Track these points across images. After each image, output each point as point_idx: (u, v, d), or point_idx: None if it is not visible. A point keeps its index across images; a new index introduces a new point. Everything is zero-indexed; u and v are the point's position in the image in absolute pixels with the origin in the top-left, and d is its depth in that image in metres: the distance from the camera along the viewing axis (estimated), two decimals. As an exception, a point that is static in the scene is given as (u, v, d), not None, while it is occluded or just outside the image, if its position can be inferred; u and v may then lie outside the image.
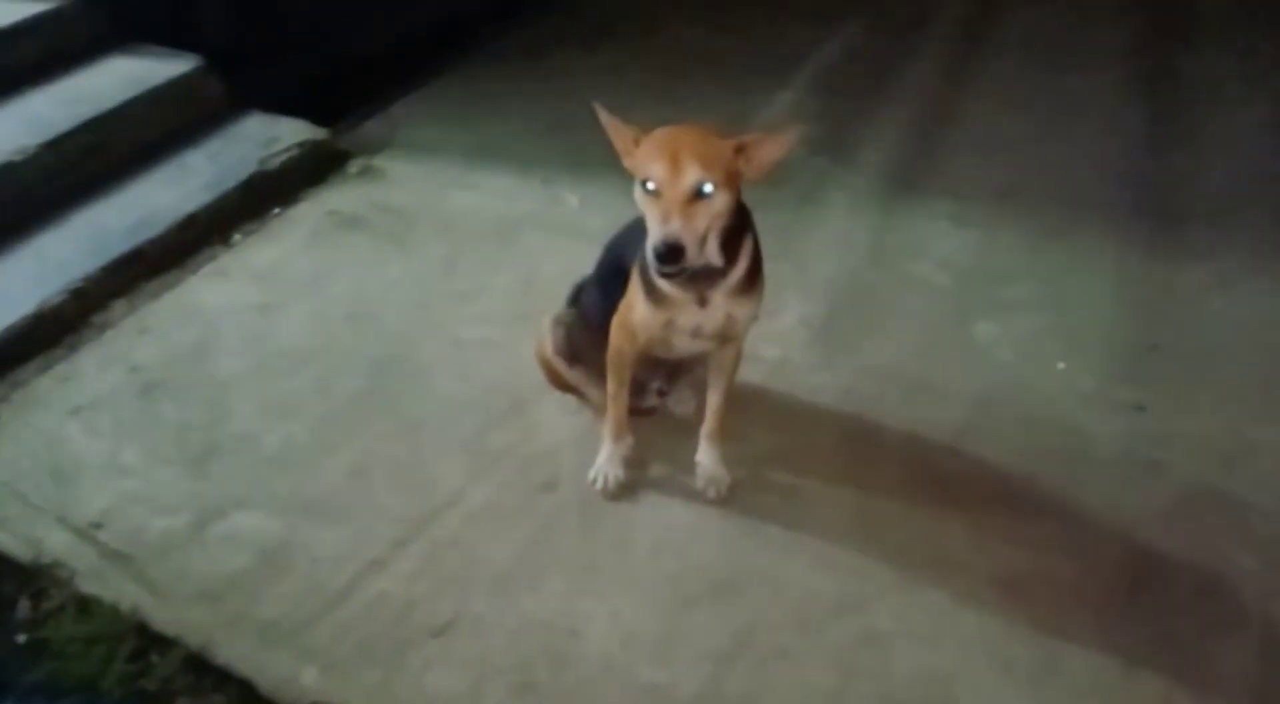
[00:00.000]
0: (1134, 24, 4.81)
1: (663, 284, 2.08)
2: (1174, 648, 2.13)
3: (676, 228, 1.85)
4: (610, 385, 2.38)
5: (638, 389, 2.53)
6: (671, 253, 1.84)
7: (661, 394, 2.62)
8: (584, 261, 2.52)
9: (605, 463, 2.46)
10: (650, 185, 1.89)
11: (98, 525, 2.40)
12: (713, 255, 2.02)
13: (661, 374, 2.58)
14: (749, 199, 2.12)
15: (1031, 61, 4.49)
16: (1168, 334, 2.97)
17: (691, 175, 1.86)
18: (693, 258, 1.89)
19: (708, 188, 1.88)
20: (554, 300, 2.68)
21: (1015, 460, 2.57)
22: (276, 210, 3.52)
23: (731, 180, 1.93)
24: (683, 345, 2.24)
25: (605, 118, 2.02)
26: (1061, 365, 2.86)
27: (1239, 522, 2.39)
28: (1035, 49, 4.60)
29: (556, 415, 2.67)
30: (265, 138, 3.75)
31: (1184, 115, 4.09)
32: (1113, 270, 3.25)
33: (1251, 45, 4.56)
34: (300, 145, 3.73)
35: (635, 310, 2.19)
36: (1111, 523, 2.40)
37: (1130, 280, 3.20)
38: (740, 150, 1.93)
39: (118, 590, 2.24)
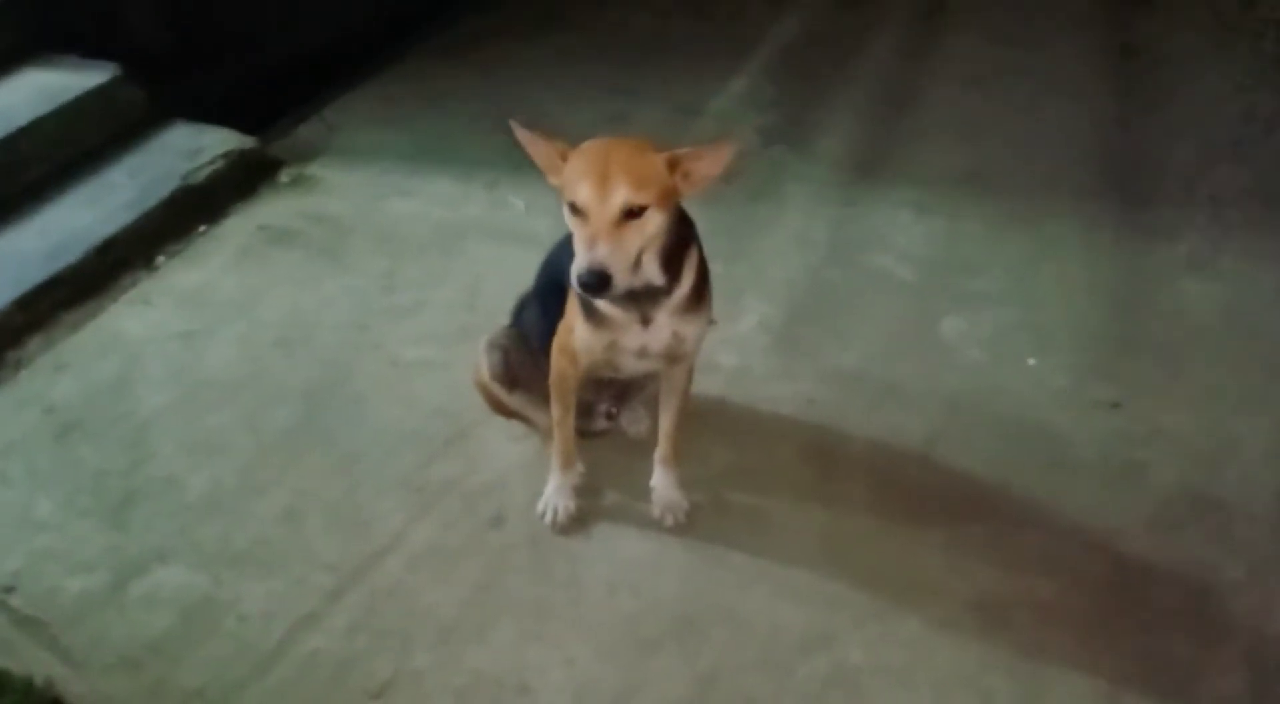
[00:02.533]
0: (1097, -5, 4.67)
1: (601, 305, 1.93)
2: (1161, 668, 2.02)
3: (602, 254, 1.70)
4: (555, 412, 2.23)
5: (585, 411, 2.38)
6: (597, 281, 1.70)
7: (611, 416, 2.47)
8: (532, 270, 2.34)
9: (554, 494, 2.30)
10: (577, 206, 1.73)
11: (9, 589, 2.22)
12: (652, 275, 1.87)
13: (610, 395, 2.43)
14: (696, 200, 1.96)
15: (992, 38, 4.35)
16: (1141, 323, 2.86)
17: (620, 196, 1.71)
18: (621, 284, 1.74)
19: (638, 208, 1.72)
20: (500, 314, 2.53)
21: (989, 469, 2.44)
22: (203, 228, 3.32)
23: (666, 198, 1.77)
24: (629, 366, 2.10)
25: (524, 136, 1.84)
26: (1032, 361, 2.73)
27: (1224, 526, 2.28)
28: (995, 25, 4.45)
29: (502, 442, 2.51)
30: (190, 149, 3.54)
31: (1149, 88, 3.96)
32: (1081, 256, 3.12)
33: (1215, 13, 4.43)
34: (227, 156, 3.52)
35: (575, 332, 2.04)
36: (1092, 534, 2.28)
37: (1100, 265, 3.08)
38: (675, 165, 1.77)
39: (30, 662, 2.08)
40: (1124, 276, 3.04)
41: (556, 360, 2.13)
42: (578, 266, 1.70)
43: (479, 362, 2.36)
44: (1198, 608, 2.12)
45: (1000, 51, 4.24)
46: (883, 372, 2.71)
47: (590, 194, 1.71)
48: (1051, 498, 2.36)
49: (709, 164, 1.78)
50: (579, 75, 4.15)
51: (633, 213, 1.72)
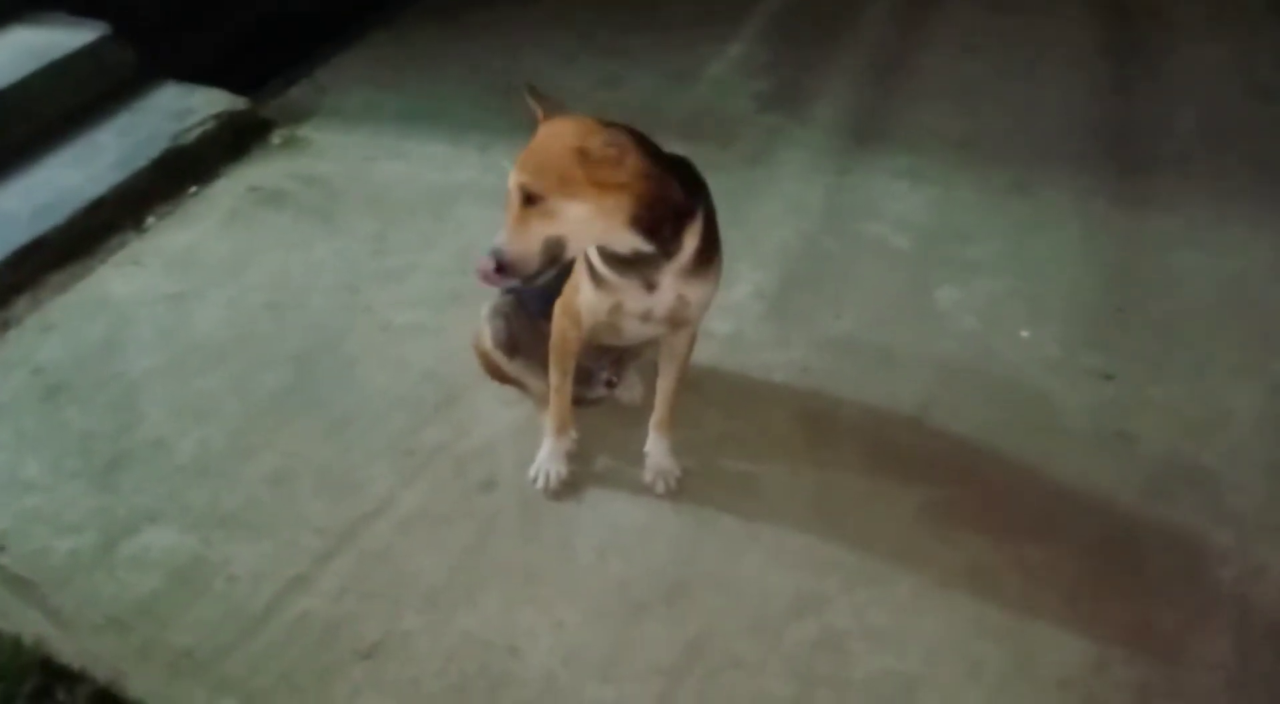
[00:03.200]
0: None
1: (603, 271, 1.92)
2: (1149, 637, 2.02)
3: (499, 240, 1.72)
4: (553, 376, 2.21)
5: (584, 377, 2.36)
6: (494, 268, 1.71)
7: (611, 384, 2.45)
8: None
9: (546, 459, 2.29)
10: None
11: (-1, 548, 2.21)
12: (636, 243, 1.82)
13: (609, 361, 2.41)
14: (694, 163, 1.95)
15: (987, 3, 4.30)
16: (1134, 293, 2.84)
17: (514, 179, 1.71)
18: (525, 270, 1.73)
19: (538, 198, 1.70)
20: (491, 279, 2.51)
21: (981, 436, 2.44)
22: (193, 189, 3.28)
23: (569, 188, 1.69)
24: (633, 331, 2.07)
25: (532, 103, 1.84)
26: (1025, 333, 2.72)
27: (1214, 496, 2.27)
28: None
29: (493, 407, 2.50)
30: (179, 110, 3.50)
31: (1146, 55, 3.93)
32: (1076, 225, 3.10)
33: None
34: (218, 117, 3.48)
35: (580, 293, 2.02)
36: (1083, 501, 2.28)
37: (1095, 235, 3.06)
38: (583, 156, 1.69)
39: (19, 621, 2.06)
40: (1119, 246, 3.03)
41: (559, 322, 2.12)
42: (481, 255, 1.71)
43: (480, 329, 2.35)
44: (1187, 575, 2.13)
45: (997, 18, 4.19)
46: (876, 339, 2.70)
47: (511, 176, 1.72)
48: (1043, 465, 2.36)
49: (609, 172, 1.72)
50: (573, 38, 4.10)
51: (531, 199, 1.70)
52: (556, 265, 1.80)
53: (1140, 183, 3.26)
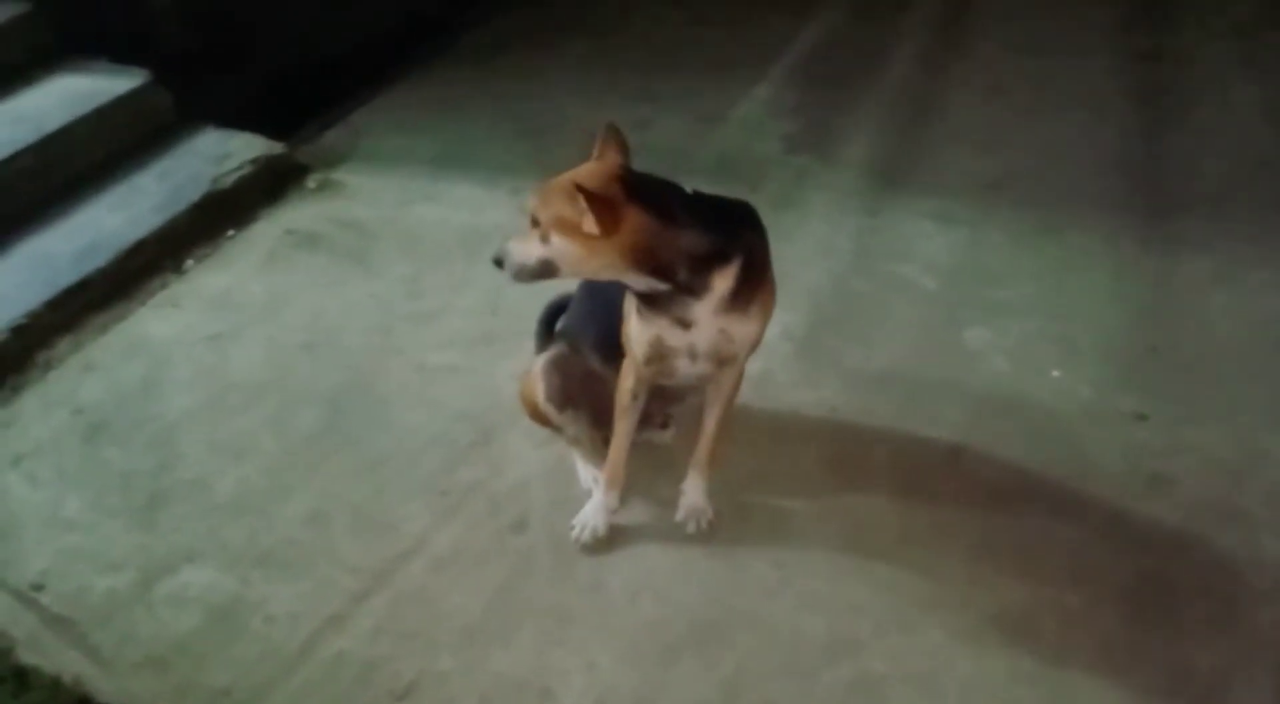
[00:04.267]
0: (1119, 5, 4.64)
1: (638, 305, 2.00)
2: (1186, 679, 2.01)
3: (505, 243, 1.92)
4: (617, 425, 2.23)
5: (641, 420, 2.35)
6: (495, 261, 1.94)
7: (663, 426, 2.46)
8: (556, 278, 2.36)
9: (592, 513, 2.28)
10: None
11: (39, 587, 2.25)
12: (651, 284, 1.89)
13: (660, 404, 2.41)
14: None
15: (1015, 46, 4.33)
16: (1167, 334, 2.83)
17: (527, 204, 1.88)
18: (520, 277, 1.91)
19: (537, 224, 1.86)
20: (523, 319, 2.56)
21: (1014, 478, 2.43)
22: (231, 232, 3.35)
23: (564, 228, 1.82)
24: (683, 369, 2.08)
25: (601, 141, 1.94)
26: (1056, 373, 2.71)
27: (1250, 540, 2.25)
28: (1019, 32, 4.44)
29: (526, 447, 2.52)
30: (218, 154, 3.58)
31: (1175, 98, 3.94)
32: (1107, 266, 3.10)
33: (1242, 24, 4.40)
34: (255, 161, 3.56)
35: (628, 324, 2.07)
36: (1117, 545, 2.27)
37: (1125, 276, 3.06)
38: (575, 205, 1.78)
39: (59, 660, 2.10)
40: (1150, 288, 3.02)
41: (625, 364, 2.16)
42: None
43: (532, 381, 2.36)
44: (1225, 619, 2.10)
45: (1023, 60, 4.22)
46: (907, 380, 2.70)
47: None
48: (1077, 507, 2.35)
49: (587, 222, 1.79)
50: (603, 82, 4.16)
51: (535, 223, 1.86)
52: (551, 277, 1.91)
53: (1171, 224, 3.25)
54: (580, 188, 1.75)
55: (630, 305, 2.05)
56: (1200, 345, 2.78)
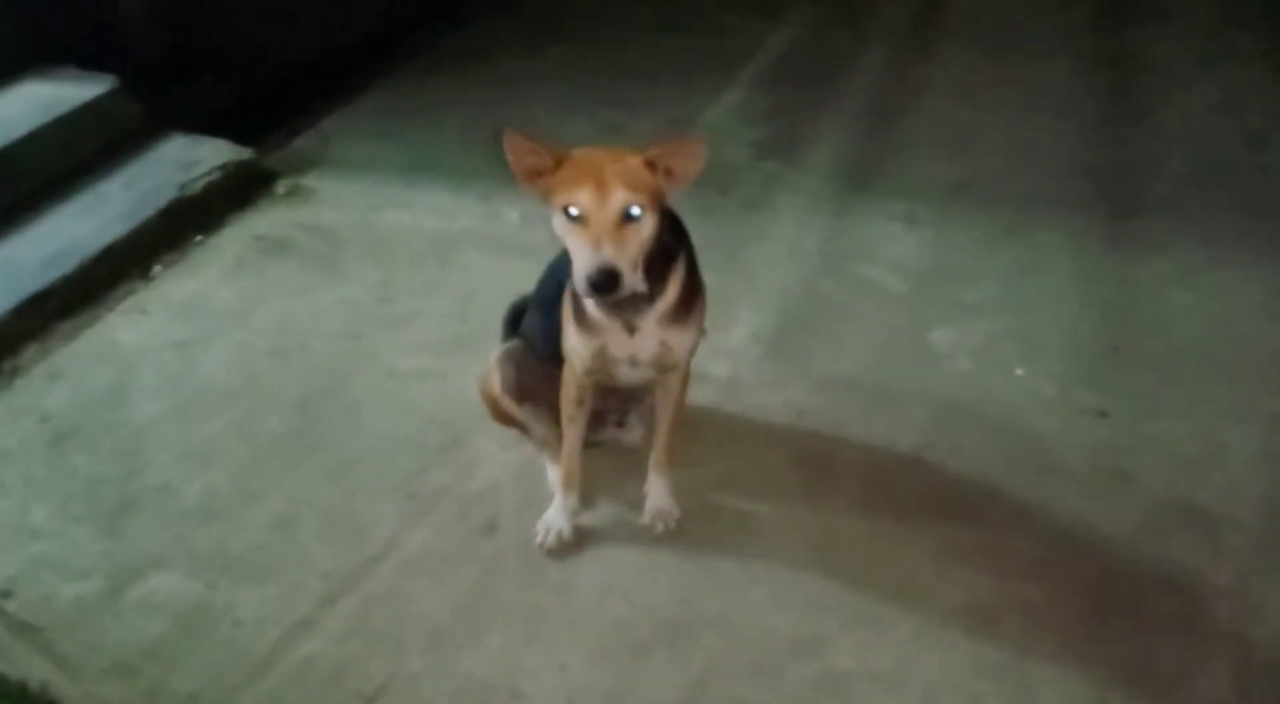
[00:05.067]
0: (1083, 7, 4.71)
1: (590, 310, 1.97)
2: (1148, 676, 2.03)
3: (609, 253, 1.74)
4: (564, 428, 2.24)
5: (595, 420, 2.37)
6: (608, 279, 1.74)
7: (619, 425, 2.48)
8: (526, 280, 2.38)
9: (554, 516, 2.29)
10: (574, 211, 1.77)
11: (6, 594, 2.23)
12: (635, 282, 1.87)
13: (615, 402, 2.44)
14: (691, 211, 2.00)
15: (980, 50, 4.38)
16: (1129, 333, 2.88)
17: (619, 198, 1.75)
18: (628, 283, 1.78)
19: (635, 210, 1.77)
20: (493, 323, 2.56)
21: (978, 476, 2.46)
22: (199, 238, 3.34)
23: (656, 200, 1.81)
24: (624, 375, 2.12)
25: (518, 142, 1.84)
26: (1021, 371, 2.75)
27: (1210, 534, 2.29)
28: (984, 37, 4.49)
29: (495, 450, 2.53)
30: (186, 161, 3.57)
31: (1137, 101, 4.00)
32: (1070, 267, 3.15)
33: (1202, 26, 4.47)
34: (223, 167, 3.55)
35: (567, 338, 2.07)
36: (1080, 540, 2.30)
37: (1088, 277, 3.10)
38: (652, 166, 1.80)
39: (25, 667, 2.08)
40: (1113, 287, 3.07)
41: (565, 370, 2.16)
42: (586, 268, 1.73)
43: (489, 374, 2.38)
44: (1185, 613, 2.14)
45: (988, 64, 4.27)
46: (874, 381, 2.73)
47: (590, 198, 1.75)
48: (1040, 504, 2.38)
49: (687, 161, 1.81)
50: (573, 88, 4.18)
51: (630, 216, 1.76)
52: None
53: (1133, 225, 3.30)
54: (651, 159, 1.78)
55: (568, 317, 2.04)
56: (1161, 343, 2.82)
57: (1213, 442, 2.52)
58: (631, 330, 1.97)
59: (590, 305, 1.96)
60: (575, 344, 2.04)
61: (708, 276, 2.08)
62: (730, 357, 2.79)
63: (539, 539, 2.27)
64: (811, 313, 2.98)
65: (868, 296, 3.05)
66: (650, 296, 1.92)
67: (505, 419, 2.46)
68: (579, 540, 2.30)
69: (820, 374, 2.75)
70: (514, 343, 2.40)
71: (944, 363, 2.80)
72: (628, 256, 1.77)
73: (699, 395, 2.52)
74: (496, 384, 2.37)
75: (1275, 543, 2.25)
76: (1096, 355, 2.80)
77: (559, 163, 1.83)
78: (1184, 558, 2.24)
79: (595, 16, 4.80)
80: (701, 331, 2.13)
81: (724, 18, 4.72)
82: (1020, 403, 2.66)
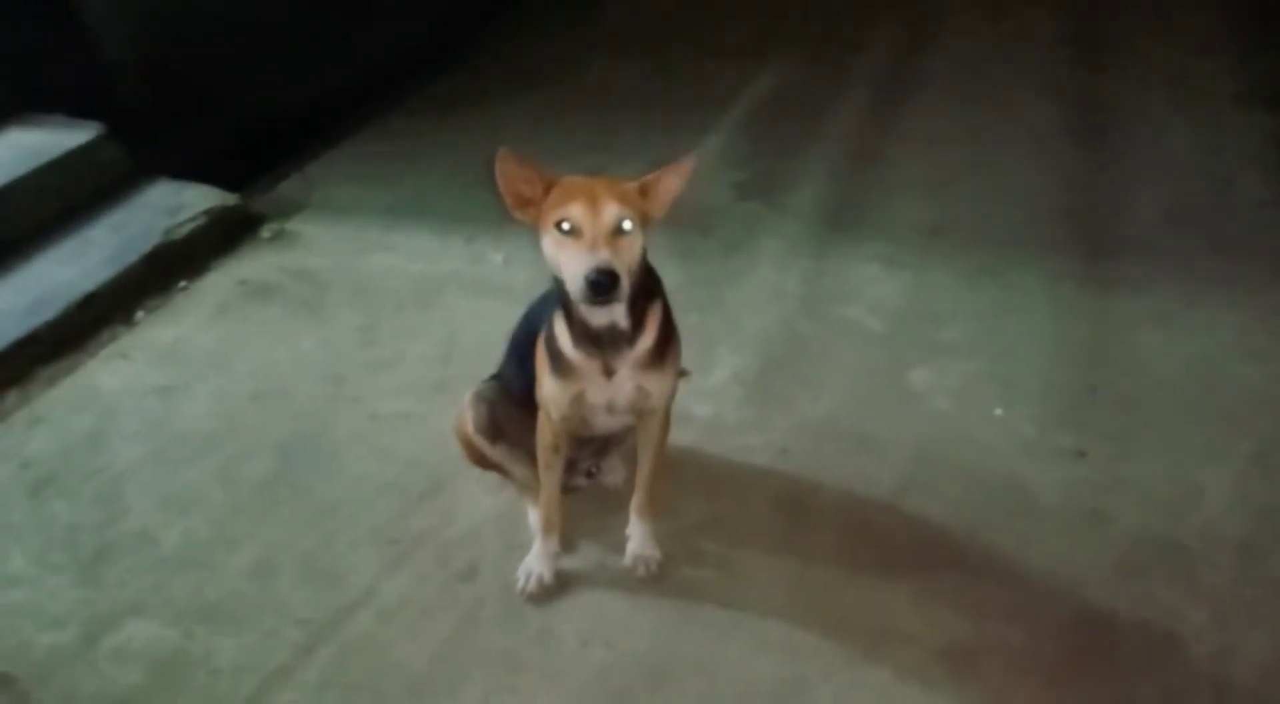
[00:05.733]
0: (1060, 55, 4.79)
1: (569, 352, 1.98)
2: (1128, 718, 2.03)
3: (606, 255, 1.77)
4: (541, 474, 2.24)
5: (568, 468, 2.38)
6: (607, 279, 1.75)
7: (591, 474, 2.49)
8: (509, 322, 2.38)
9: (534, 560, 2.29)
10: (567, 225, 1.81)
11: (-21, 644, 2.21)
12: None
13: (589, 452, 2.45)
14: (673, 253, 2.02)
15: (958, 96, 4.45)
16: (1105, 374, 2.90)
17: (612, 210, 1.80)
18: (625, 288, 1.81)
19: (627, 225, 1.81)
20: (476, 366, 2.57)
21: (957, 517, 2.47)
22: (183, 283, 3.35)
23: (644, 220, 1.86)
24: (602, 422, 2.13)
25: (510, 165, 1.88)
26: (999, 411, 2.77)
27: (1187, 574, 2.30)
28: (959, 85, 4.56)
29: (477, 494, 2.53)
30: (171, 206, 3.59)
31: (1111, 143, 4.06)
32: (1047, 308, 3.18)
33: (1174, 70, 4.56)
34: (208, 212, 3.57)
35: (543, 386, 2.08)
36: (1058, 581, 2.30)
37: (1065, 318, 3.14)
38: (644, 191, 1.87)
39: (-2, 718, 2.06)
40: (1088, 329, 3.10)
41: (539, 418, 2.17)
42: (584, 270, 1.75)
43: (463, 413, 2.38)
44: (1163, 654, 2.14)
45: (964, 110, 4.34)
46: (853, 422, 2.75)
47: (583, 211, 1.79)
48: (1018, 546, 2.39)
49: (671, 180, 1.89)
50: (557, 132, 4.23)
51: (620, 230, 1.80)
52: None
53: (1108, 266, 3.34)
54: (644, 184, 1.87)
55: (543, 366, 2.06)
56: (1136, 384, 2.85)
57: (1188, 482, 2.53)
58: (609, 374, 1.99)
59: (568, 347, 1.97)
60: (552, 391, 2.05)
61: (690, 317, 2.11)
62: (712, 398, 2.81)
63: (520, 585, 2.27)
64: (792, 354, 3.00)
65: (847, 337, 3.07)
66: (630, 337, 1.94)
67: (482, 461, 2.46)
68: (560, 585, 2.29)
69: (801, 415, 2.77)
70: (488, 382, 2.41)
71: (923, 403, 2.82)
72: (623, 263, 1.80)
73: (681, 436, 2.53)
74: (469, 423, 2.38)
75: (1251, 583, 2.26)
76: (1073, 396, 2.82)
77: (549, 188, 1.88)
78: (1161, 598, 2.25)
79: (581, 63, 4.87)
80: (681, 374, 2.15)
81: (705, 64, 4.79)
82: (998, 444, 2.67)
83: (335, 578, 2.33)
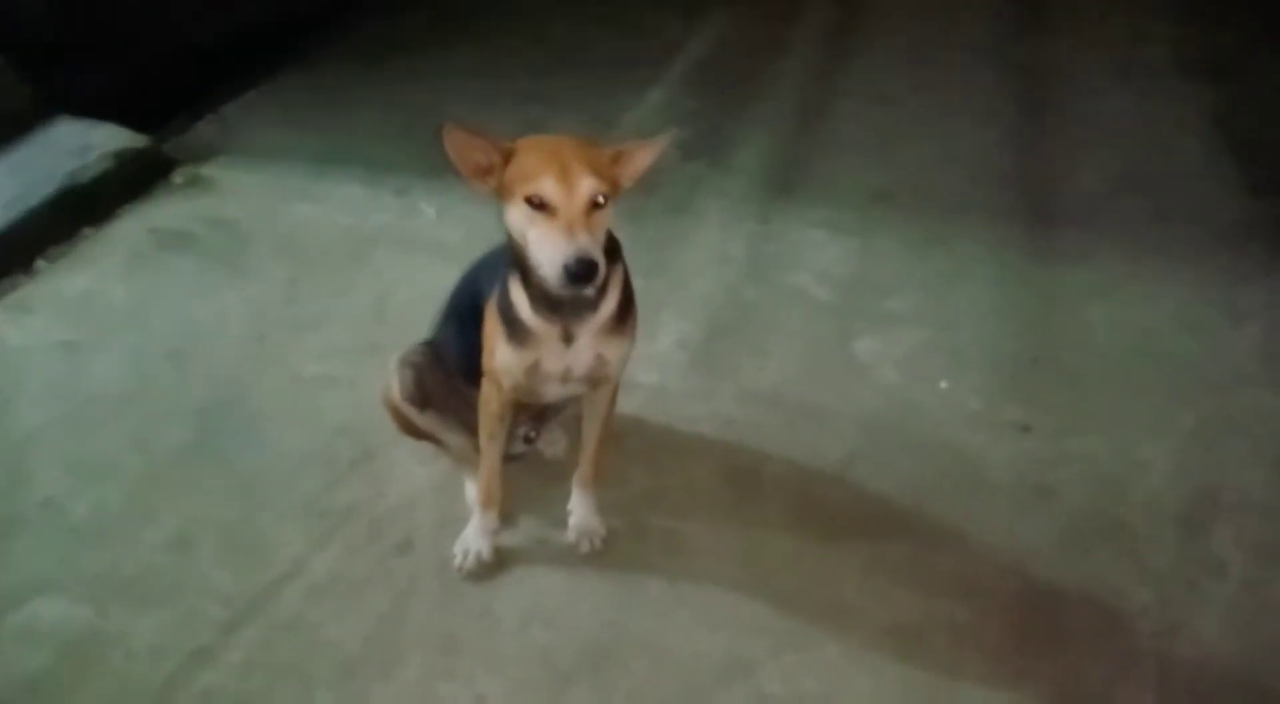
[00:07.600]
0: (1003, 17, 4.77)
1: (528, 319, 1.87)
2: (1074, 690, 2.03)
3: (585, 242, 1.66)
4: (482, 443, 2.13)
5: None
6: (587, 269, 1.65)
7: (529, 440, 2.39)
8: (443, 281, 2.27)
9: (472, 536, 2.19)
10: (538, 201, 1.68)
11: None
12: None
13: (528, 418, 2.35)
14: (618, 214, 1.92)
15: (902, 55, 4.42)
16: (1049, 345, 2.89)
17: (587, 185, 1.69)
18: (601, 273, 1.70)
19: (601, 199, 1.71)
20: (409, 328, 2.44)
21: (904, 490, 2.44)
22: (88, 230, 3.14)
23: (616, 191, 1.77)
24: (553, 391, 2.03)
25: (459, 136, 1.75)
26: (944, 384, 2.74)
27: (1131, 551, 2.30)
28: (905, 44, 4.53)
29: (410, 464, 2.41)
30: (77, 146, 3.36)
31: (1056, 110, 4.07)
32: (992, 276, 3.16)
33: (1118, 38, 4.57)
34: (117, 154, 3.35)
35: (496, 354, 1.96)
36: (1005, 556, 2.29)
37: (1010, 287, 3.12)
38: (616, 159, 1.78)
39: (-110, 708, 1.91)
40: (1033, 299, 3.09)
41: (484, 386, 2.06)
42: (563, 258, 1.65)
43: (389, 380, 2.26)
44: (1108, 630, 2.14)
45: (910, 70, 4.30)
46: (800, 392, 2.70)
47: (556, 186, 1.67)
48: (965, 520, 2.37)
49: (644, 156, 1.81)
50: (493, 83, 4.07)
51: (596, 204, 1.70)
52: None
53: (1051, 235, 3.34)
54: (621, 152, 1.79)
55: (497, 332, 1.94)
56: (1080, 357, 2.85)
57: (1131, 457, 2.54)
58: (569, 340, 1.89)
59: (527, 313, 1.87)
60: (506, 360, 1.94)
61: (636, 281, 2.02)
62: (658, 364, 2.73)
63: (457, 562, 2.17)
64: (738, 321, 2.93)
65: (793, 305, 3.01)
66: (593, 302, 1.85)
67: (412, 430, 2.34)
68: (499, 562, 2.20)
69: (747, 384, 2.71)
70: (417, 345, 2.29)
71: (869, 374, 2.77)
72: (598, 242, 1.71)
73: (626, 404, 2.45)
74: (395, 390, 2.25)
75: (1194, 561, 2.27)
76: (1018, 367, 2.81)
77: (508, 156, 1.75)
78: (1106, 575, 2.25)
79: (514, 12, 4.71)
80: (633, 342, 2.06)
81: (647, 15, 4.65)
82: (945, 416, 2.65)
83: (260, 552, 2.20)
